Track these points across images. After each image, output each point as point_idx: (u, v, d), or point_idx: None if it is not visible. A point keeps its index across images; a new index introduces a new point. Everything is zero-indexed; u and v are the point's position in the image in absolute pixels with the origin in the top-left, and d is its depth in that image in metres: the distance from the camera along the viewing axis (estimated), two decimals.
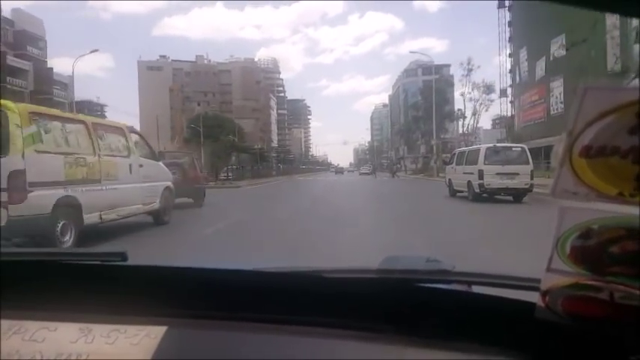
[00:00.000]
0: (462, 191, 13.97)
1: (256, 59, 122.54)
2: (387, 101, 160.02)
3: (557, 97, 36.57)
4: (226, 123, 71.53)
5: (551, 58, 37.39)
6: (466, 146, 22.47)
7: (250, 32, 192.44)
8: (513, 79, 48.23)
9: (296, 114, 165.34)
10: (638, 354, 0.55)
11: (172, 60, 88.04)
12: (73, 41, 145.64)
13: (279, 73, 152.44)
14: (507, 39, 50.02)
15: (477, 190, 12.71)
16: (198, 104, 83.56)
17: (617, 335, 0.55)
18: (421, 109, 54.59)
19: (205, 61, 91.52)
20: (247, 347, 0.68)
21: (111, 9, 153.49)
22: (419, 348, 0.66)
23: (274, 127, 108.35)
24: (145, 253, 5.33)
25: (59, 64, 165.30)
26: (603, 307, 0.53)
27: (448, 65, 78.18)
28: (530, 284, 0.66)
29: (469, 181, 13.25)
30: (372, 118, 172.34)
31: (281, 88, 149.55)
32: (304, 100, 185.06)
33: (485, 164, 12.62)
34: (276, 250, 5.60)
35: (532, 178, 12.56)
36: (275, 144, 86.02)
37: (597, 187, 0.45)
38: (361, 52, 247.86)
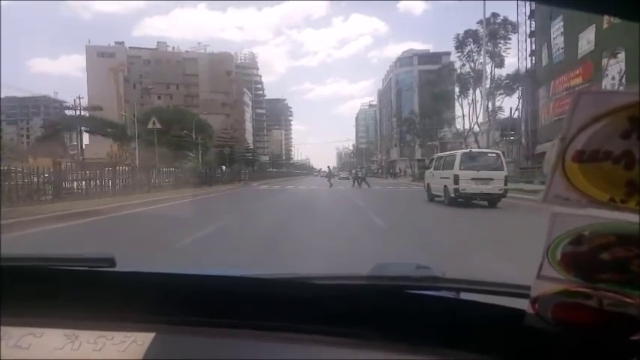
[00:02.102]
0: (439, 196, 13.91)
1: (233, 53, 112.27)
2: (373, 102, 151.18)
3: (614, 78, 26.93)
4: (187, 117, 60.94)
5: (605, 26, 27.76)
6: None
7: (232, 33, 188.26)
8: (537, 61, 38.57)
9: (276, 114, 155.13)
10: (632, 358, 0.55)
11: (130, 47, 76.65)
12: (52, 40, 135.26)
13: (258, 69, 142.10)
14: (527, 14, 40.42)
15: (453, 195, 12.73)
16: (159, 97, 72.43)
17: (605, 343, 0.55)
18: (431, 95, 41.18)
19: (169, 49, 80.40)
20: (236, 354, 0.68)
21: (91, 8, 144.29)
22: (408, 355, 0.66)
23: (249, 126, 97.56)
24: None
25: (40, 64, 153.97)
26: (592, 314, 0.53)
27: (448, 53, 69.25)
28: (520, 291, 0.67)
29: (445, 186, 13.23)
30: (357, 119, 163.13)
31: (260, 86, 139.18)
32: (285, 100, 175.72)
33: (460, 169, 12.64)
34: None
35: (506, 184, 12.77)
36: (249, 144, 75.22)
37: (589, 192, 0.45)
38: (345, 55, 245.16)
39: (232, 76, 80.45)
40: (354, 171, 29.55)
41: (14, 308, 0.71)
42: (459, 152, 13.77)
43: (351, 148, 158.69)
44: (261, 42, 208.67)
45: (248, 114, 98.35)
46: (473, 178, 12.34)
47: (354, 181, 27.48)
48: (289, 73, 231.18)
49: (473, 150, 14.89)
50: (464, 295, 0.76)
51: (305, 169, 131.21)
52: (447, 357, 0.65)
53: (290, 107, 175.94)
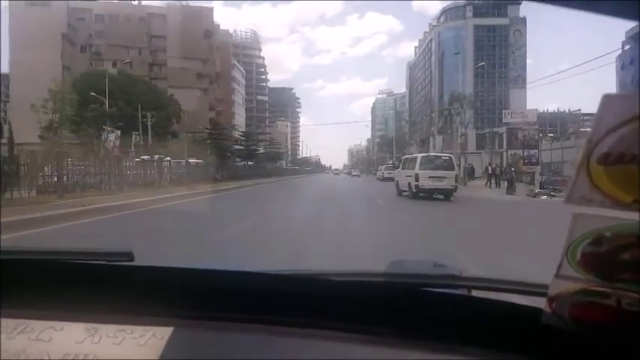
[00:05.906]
0: (405, 191, 16.78)
1: (231, 31, 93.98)
2: (392, 90, 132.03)
3: None
4: (138, 88, 42.09)
5: None
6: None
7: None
8: None
9: (282, 104, 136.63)
10: None
11: None
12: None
13: (260, 50, 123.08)
14: None
15: (414, 190, 15.72)
16: (114, 64, 53.80)
17: (624, 342, 0.55)
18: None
19: (134, 3, 61.61)
20: (254, 349, 0.69)
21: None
22: (424, 352, 0.67)
23: (241, 110, 78.53)
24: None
25: None
26: (611, 313, 0.53)
27: (518, 2, 48.91)
28: (538, 290, 0.68)
29: (409, 183, 16.15)
30: (373, 110, 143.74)
31: (263, 70, 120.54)
32: (292, 89, 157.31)
33: (420, 169, 15.73)
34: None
35: (457, 181, 16.31)
36: (238, 132, 56.31)
37: (613, 194, 0.46)
38: (359, 53, 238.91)
39: (214, 39, 61.32)
40: None
41: (34, 302, 0.73)
42: (419, 155, 17.52)
43: (364, 143, 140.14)
44: (274, 39, 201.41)
45: (240, 95, 79.40)
46: (430, 177, 15.44)
47: None
48: (302, 70, 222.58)
49: (430, 154, 19.25)
50: (481, 294, 0.76)
51: (309, 167, 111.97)
52: (464, 355, 0.65)
53: (298, 98, 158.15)
